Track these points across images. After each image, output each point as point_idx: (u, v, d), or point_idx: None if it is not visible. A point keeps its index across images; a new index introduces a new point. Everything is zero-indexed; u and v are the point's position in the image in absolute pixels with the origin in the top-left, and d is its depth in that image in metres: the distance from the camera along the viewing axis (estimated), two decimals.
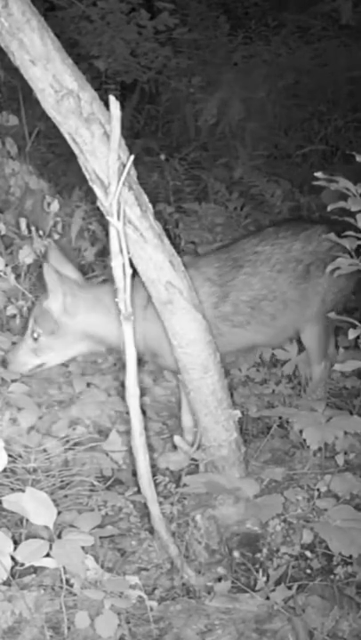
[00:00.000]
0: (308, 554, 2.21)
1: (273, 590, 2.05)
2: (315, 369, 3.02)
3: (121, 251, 1.95)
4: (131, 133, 5.98)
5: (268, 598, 2.04)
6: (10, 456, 2.14)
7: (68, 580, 1.97)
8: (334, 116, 6.47)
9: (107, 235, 2.02)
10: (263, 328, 2.79)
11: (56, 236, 3.46)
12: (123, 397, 2.16)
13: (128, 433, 2.16)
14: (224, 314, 2.69)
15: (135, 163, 2.00)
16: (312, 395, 3.00)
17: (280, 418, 2.83)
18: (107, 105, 1.93)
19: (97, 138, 1.96)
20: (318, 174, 2.27)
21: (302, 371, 3.14)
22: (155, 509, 2.12)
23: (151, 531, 2.23)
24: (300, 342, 3.06)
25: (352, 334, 2.33)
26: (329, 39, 6.91)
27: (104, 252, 3.75)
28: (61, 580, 1.94)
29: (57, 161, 5.01)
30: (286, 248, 2.81)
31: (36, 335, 2.65)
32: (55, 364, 2.77)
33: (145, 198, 2.09)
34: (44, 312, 2.62)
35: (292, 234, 2.85)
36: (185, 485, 2.38)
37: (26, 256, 3.27)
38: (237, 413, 2.40)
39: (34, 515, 1.88)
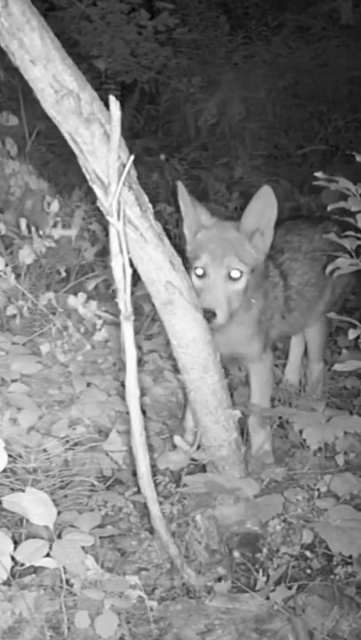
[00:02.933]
0: (308, 554, 2.21)
1: (273, 590, 2.05)
2: (314, 367, 3.02)
3: (121, 251, 1.95)
4: (131, 133, 5.99)
5: (268, 598, 2.03)
6: (10, 456, 2.14)
7: (68, 580, 1.97)
8: (334, 116, 6.49)
9: (107, 235, 2.02)
10: (299, 316, 2.78)
11: (56, 236, 3.46)
12: (123, 397, 2.16)
13: (128, 433, 2.16)
14: (286, 298, 2.69)
15: (135, 163, 2.00)
16: (312, 394, 3.00)
17: (280, 418, 2.83)
18: (107, 105, 1.93)
19: (97, 138, 1.96)
20: (318, 174, 2.27)
21: (287, 374, 3.18)
22: (155, 509, 2.12)
23: (151, 531, 2.23)
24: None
25: (352, 334, 2.33)
26: (329, 39, 6.93)
27: (104, 252, 3.75)
28: (61, 580, 1.94)
29: (57, 161, 5.01)
30: (309, 238, 2.85)
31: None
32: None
33: (145, 198, 2.09)
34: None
35: (310, 226, 2.90)
36: (185, 485, 2.38)
37: (26, 256, 3.27)
38: (237, 413, 2.40)
39: (34, 515, 1.88)
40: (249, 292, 2.39)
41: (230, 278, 2.34)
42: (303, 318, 2.86)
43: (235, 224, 2.43)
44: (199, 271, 2.36)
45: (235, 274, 2.34)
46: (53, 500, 1.92)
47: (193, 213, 2.44)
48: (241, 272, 2.33)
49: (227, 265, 2.33)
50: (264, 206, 2.39)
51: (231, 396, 2.44)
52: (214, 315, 2.27)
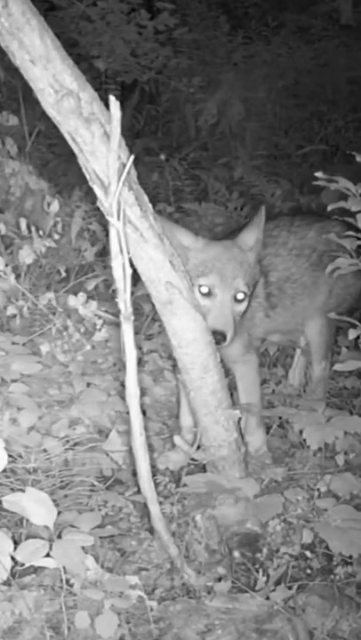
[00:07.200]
0: (308, 554, 2.21)
1: (273, 590, 2.06)
2: (315, 367, 3.02)
3: (121, 251, 1.95)
4: (131, 133, 6.00)
5: (268, 598, 2.04)
6: (10, 456, 2.14)
7: (68, 580, 1.97)
8: (334, 116, 6.49)
9: (107, 235, 2.02)
10: (284, 312, 2.80)
11: (56, 236, 3.46)
12: (123, 397, 2.17)
13: (128, 433, 2.16)
14: (267, 294, 2.71)
15: (135, 163, 2.00)
16: (312, 395, 3.00)
17: (280, 418, 2.83)
18: (107, 105, 1.93)
19: (97, 138, 1.96)
20: (318, 174, 2.28)
21: (290, 377, 3.17)
22: (155, 509, 2.12)
23: (151, 531, 2.23)
24: None
25: (352, 334, 2.34)
26: (329, 39, 6.92)
27: (104, 252, 3.76)
28: (61, 580, 1.94)
29: (57, 161, 5.02)
30: (301, 235, 2.86)
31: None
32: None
33: (145, 198, 2.09)
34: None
35: (307, 224, 2.91)
36: (185, 485, 2.38)
37: (26, 256, 3.27)
38: (237, 413, 2.40)
39: (34, 515, 1.88)
40: (246, 311, 2.44)
41: (236, 300, 2.37)
42: (290, 315, 2.85)
43: (235, 243, 2.44)
44: (204, 289, 2.36)
45: (240, 296, 2.37)
46: (53, 500, 1.92)
47: (173, 238, 2.45)
48: (245, 294, 2.37)
49: (235, 287, 2.36)
50: (261, 226, 2.43)
51: (231, 395, 2.44)
52: (224, 337, 2.30)
